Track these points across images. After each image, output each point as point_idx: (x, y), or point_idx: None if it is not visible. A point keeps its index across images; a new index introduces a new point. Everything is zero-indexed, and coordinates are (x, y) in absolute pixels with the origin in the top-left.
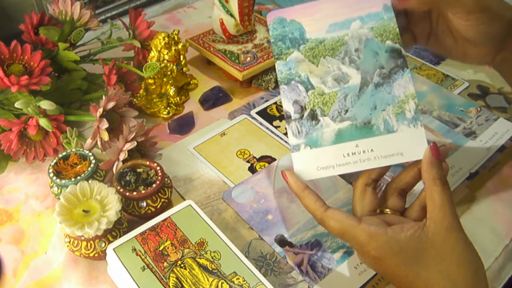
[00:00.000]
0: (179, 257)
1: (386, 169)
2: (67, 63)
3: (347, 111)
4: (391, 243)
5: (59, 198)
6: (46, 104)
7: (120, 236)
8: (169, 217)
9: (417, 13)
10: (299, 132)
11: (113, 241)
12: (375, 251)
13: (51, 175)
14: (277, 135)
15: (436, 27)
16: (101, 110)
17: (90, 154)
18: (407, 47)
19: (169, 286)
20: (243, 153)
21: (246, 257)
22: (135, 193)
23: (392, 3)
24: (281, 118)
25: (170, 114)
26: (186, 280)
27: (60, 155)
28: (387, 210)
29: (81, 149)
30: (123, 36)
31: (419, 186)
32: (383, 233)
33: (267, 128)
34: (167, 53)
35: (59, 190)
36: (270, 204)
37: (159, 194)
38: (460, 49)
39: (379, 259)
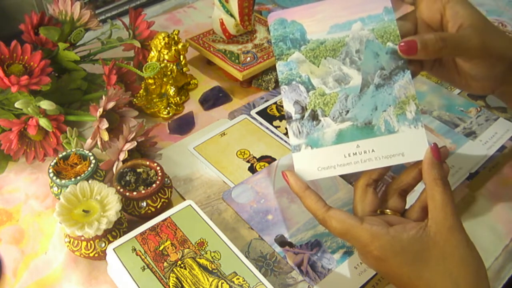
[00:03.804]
0: (179, 257)
1: (387, 169)
2: (67, 63)
3: (348, 111)
4: (393, 243)
5: (59, 198)
6: (46, 104)
7: (120, 236)
8: (169, 217)
9: None
10: (300, 133)
11: (113, 241)
12: (378, 251)
13: (51, 175)
14: (277, 135)
15: (442, 59)
16: (101, 110)
17: (90, 154)
18: (414, 75)
19: (169, 286)
20: (243, 153)
21: (246, 257)
22: (135, 193)
23: (401, 50)
24: (281, 118)
25: (170, 114)
26: (186, 280)
27: (60, 155)
28: (388, 210)
29: (81, 149)
30: (123, 36)
31: (419, 186)
32: (385, 233)
33: (267, 128)
34: (167, 53)
35: (59, 190)
36: (270, 204)
37: (159, 194)
38: (463, 82)
39: (381, 259)
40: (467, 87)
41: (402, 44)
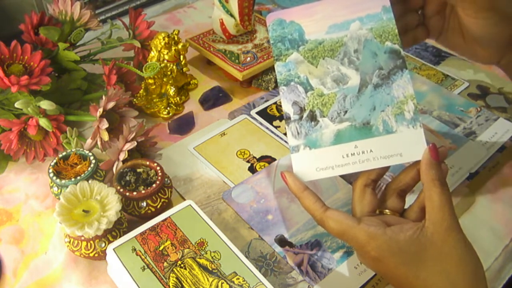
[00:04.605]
0: (179, 257)
1: (385, 169)
2: (67, 63)
3: (346, 112)
4: (390, 243)
5: (59, 198)
6: (46, 104)
7: (120, 236)
8: (169, 217)
9: (431, 8)
10: (298, 133)
11: (113, 241)
12: (375, 252)
13: (51, 175)
14: (277, 135)
15: (448, 24)
16: (101, 110)
17: (90, 154)
18: (420, 41)
19: (169, 286)
20: (243, 153)
21: (246, 257)
22: (135, 193)
23: None
24: (281, 118)
25: (170, 114)
26: (186, 280)
27: (60, 155)
28: (387, 210)
29: (81, 149)
30: (123, 36)
31: (419, 186)
32: (382, 234)
33: (267, 128)
34: (167, 53)
35: (59, 190)
36: (270, 204)
37: (159, 194)
38: (469, 49)
39: (378, 259)
40: (474, 55)
41: None
